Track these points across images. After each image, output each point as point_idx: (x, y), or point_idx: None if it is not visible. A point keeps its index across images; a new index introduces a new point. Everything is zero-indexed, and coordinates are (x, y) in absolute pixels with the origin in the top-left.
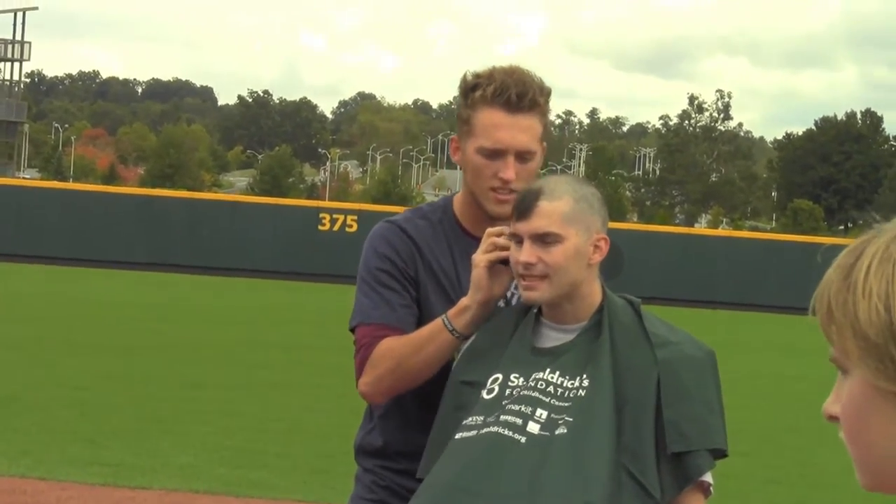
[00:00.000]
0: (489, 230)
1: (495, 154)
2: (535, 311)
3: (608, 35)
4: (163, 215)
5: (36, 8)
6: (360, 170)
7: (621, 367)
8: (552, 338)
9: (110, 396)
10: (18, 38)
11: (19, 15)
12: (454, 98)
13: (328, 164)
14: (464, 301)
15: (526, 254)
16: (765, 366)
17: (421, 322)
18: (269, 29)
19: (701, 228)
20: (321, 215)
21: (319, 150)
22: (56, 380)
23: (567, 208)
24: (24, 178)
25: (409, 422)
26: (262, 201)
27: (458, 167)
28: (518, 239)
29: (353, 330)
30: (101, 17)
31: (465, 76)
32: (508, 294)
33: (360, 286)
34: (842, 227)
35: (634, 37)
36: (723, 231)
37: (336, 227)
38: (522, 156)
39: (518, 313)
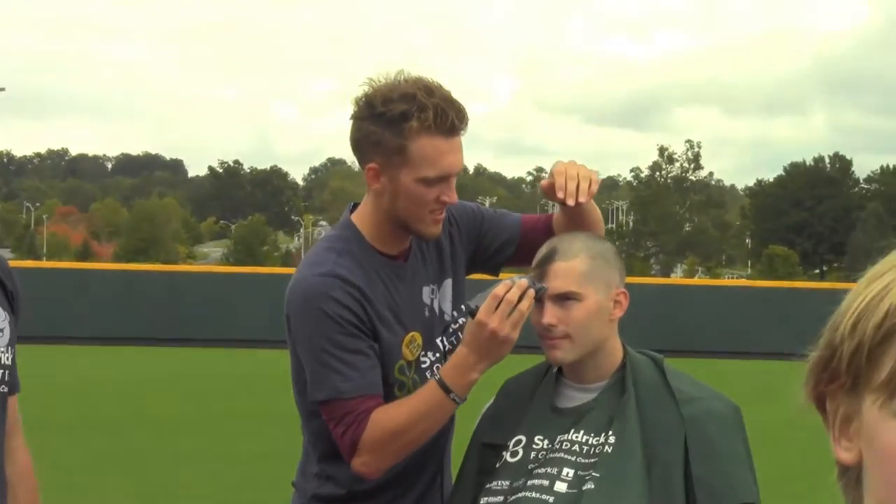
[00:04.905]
0: (496, 292)
1: (439, 180)
2: (554, 370)
3: (577, 91)
4: (141, 289)
5: (3, 89)
6: None
7: (647, 425)
8: (574, 397)
9: (99, 475)
10: None
11: None
12: (360, 122)
13: (302, 230)
14: (472, 374)
15: (547, 315)
16: (761, 415)
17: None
18: (237, 99)
19: (678, 278)
20: None
21: (293, 217)
22: (44, 460)
23: (584, 266)
24: None
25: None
26: (241, 271)
27: (374, 194)
28: (538, 299)
29: (320, 402)
30: (68, 94)
31: (371, 100)
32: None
33: (318, 356)
34: (817, 272)
35: (604, 92)
36: (701, 280)
37: None
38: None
39: (537, 373)
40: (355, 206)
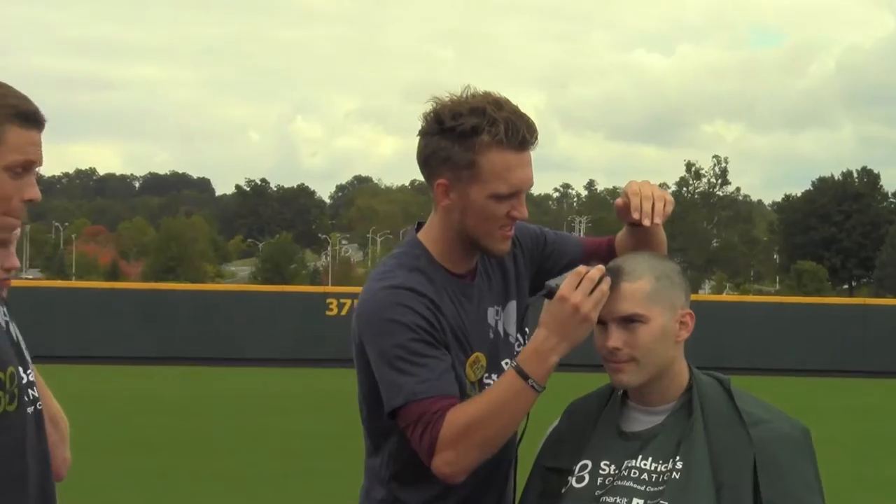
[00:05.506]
0: (577, 270)
1: (510, 195)
2: (619, 392)
3: (603, 107)
4: (170, 309)
5: None
6: (361, 253)
7: (715, 449)
8: (640, 421)
9: (133, 494)
10: None
11: None
12: (429, 138)
13: (329, 248)
14: (551, 358)
15: (612, 339)
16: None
17: None
18: (263, 117)
19: (706, 294)
20: (328, 300)
21: (319, 235)
22: (76, 483)
23: (649, 287)
24: (27, 278)
25: (429, 488)
26: (269, 289)
27: (443, 211)
28: (601, 322)
29: (395, 411)
30: (96, 115)
31: (440, 115)
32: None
33: (392, 363)
34: (846, 287)
35: (630, 107)
36: (729, 296)
37: (344, 312)
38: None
39: (602, 395)
40: (420, 225)
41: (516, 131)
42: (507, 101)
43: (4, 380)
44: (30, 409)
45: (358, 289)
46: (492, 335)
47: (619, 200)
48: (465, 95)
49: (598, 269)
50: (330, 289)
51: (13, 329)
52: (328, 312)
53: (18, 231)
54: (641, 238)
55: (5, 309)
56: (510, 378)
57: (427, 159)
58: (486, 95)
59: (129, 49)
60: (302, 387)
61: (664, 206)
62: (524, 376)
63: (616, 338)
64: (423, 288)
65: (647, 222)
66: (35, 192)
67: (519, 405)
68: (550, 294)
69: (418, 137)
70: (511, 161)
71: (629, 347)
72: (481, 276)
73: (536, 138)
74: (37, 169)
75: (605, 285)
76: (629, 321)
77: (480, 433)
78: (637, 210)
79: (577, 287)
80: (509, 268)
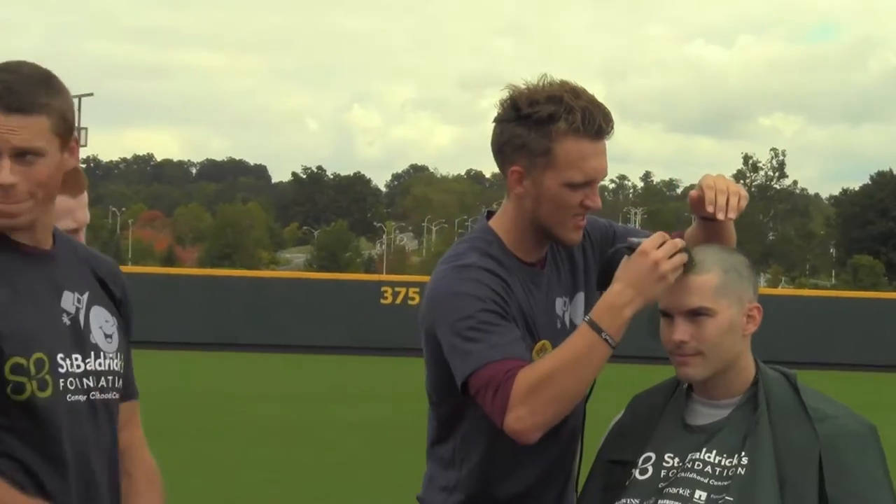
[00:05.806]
0: (660, 232)
1: (584, 184)
2: (684, 385)
3: (661, 99)
4: (226, 295)
5: (91, 94)
6: (416, 242)
7: (781, 444)
8: (705, 414)
9: (183, 483)
10: (75, 124)
11: (75, 101)
12: (504, 125)
13: (384, 237)
14: (626, 312)
15: (678, 332)
16: None
17: None
18: (320, 106)
19: (762, 288)
20: (383, 289)
21: (375, 223)
22: None
23: (717, 281)
24: None
25: (496, 472)
26: (325, 277)
27: (515, 198)
28: (668, 315)
29: (467, 380)
30: (154, 101)
31: (517, 103)
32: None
33: (463, 334)
34: None
35: (688, 99)
36: (784, 290)
37: (398, 300)
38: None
39: (666, 388)
40: (490, 213)
41: (593, 120)
42: (584, 91)
43: (28, 366)
44: (73, 398)
45: (413, 277)
46: (559, 325)
47: (693, 193)
48: (541, 84)
49: (679, 240)
50: (385, 277)
51: (83, 316)
52: (383, 301)
53: (87, 217)
54: (712, 233)
55: (80, 296)
56: (583, 331)
57: (502, 146)
58: (563, 84)
59: (188, 36)
60: (355, 375)
61: (738, 200)
62: (597, 329)
63: (683, 331)
64: (495, 269)
65: (720, 216)
66: (3, 177)
67: (592, 359)
68: (631, 249)
69: (493, 124)
70: (586, 150)
71: (696, 341)
72: (551, 266)
73: (612, 128)
74: (13, 150)
75: (685, 256)
76: (696, 314)
77: (553, 388)
78: (712, 203)
79: (660, 247)
80: (578, 260)
